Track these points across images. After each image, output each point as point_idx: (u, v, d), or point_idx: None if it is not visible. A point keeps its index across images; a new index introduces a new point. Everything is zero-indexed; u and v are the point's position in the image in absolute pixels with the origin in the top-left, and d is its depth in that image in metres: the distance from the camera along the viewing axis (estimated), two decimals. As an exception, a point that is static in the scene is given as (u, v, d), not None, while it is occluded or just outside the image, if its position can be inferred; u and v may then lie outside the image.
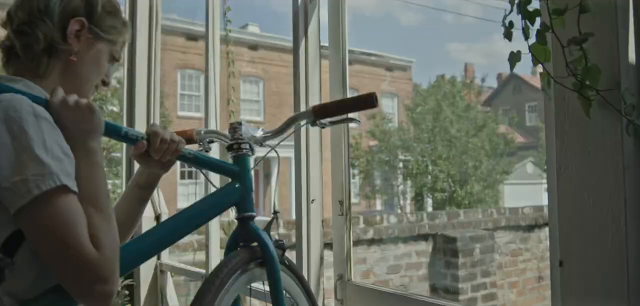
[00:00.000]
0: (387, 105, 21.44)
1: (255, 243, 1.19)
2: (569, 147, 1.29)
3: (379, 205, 18.78)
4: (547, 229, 5.18)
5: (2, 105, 0.82)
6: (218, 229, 2.74)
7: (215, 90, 3.02)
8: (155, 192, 2.98)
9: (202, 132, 1.27)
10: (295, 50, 2.29)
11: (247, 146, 1.23)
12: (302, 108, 2.04)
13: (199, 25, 14.99)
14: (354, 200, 15.26)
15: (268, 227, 1.21)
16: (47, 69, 0.98)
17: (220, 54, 3.07)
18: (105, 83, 1.08)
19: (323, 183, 2.05)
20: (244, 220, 1.19)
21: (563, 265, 1.29)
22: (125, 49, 3.28)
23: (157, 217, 3.28)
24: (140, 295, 3.12)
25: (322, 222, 2.04)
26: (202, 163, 1.21)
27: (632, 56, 1.19)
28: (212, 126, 2.86)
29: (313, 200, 1.87)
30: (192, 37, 16.00)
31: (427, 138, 15.66)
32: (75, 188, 0.84)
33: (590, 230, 1.23)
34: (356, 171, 16.88)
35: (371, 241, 3.98)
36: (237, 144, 1.22)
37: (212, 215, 1.25)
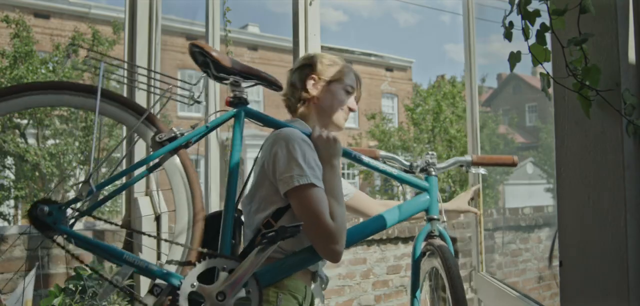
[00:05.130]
0: (387, 106, 21.45)
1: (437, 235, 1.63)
2: (569, 147, 1.29)
3: (379, 206, 18.71)
4: (547, 229, 5.18)
5: (283, 133, 1.36)
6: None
7: (215, 91, 3.02)
8: (155, 193, 2.97)
9: (384, 155, 1.77)
10: (295, 51, 2.29)
11: (436, 170, 1.69)
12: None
13: (199, 26, 14.98)
14: (354, 200, 15.26)
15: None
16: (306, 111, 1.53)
17: (220, 54, 3.07)
18: (351, 109, 1.54)
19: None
20: (433, 220, 1.64)
21: (563, 265, 1.29)
22: (125, 49, 3.28)
23: (157, 218, 3.28)
24: (141, 295, 3.11)
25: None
26: (404, 180, 1.64)
27: (632, 56, 1.19)
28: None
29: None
30: (192, 37, 15.97)
31: (427, 138, 15.61)
32: (320, 185, 1.32)
33: (590, 230, 1.23)
34: (356, 171, 16.88)
35: (371, 241, 3.97)
36: (431, 168, 1.68)
37: (408, 215, 1.64)
